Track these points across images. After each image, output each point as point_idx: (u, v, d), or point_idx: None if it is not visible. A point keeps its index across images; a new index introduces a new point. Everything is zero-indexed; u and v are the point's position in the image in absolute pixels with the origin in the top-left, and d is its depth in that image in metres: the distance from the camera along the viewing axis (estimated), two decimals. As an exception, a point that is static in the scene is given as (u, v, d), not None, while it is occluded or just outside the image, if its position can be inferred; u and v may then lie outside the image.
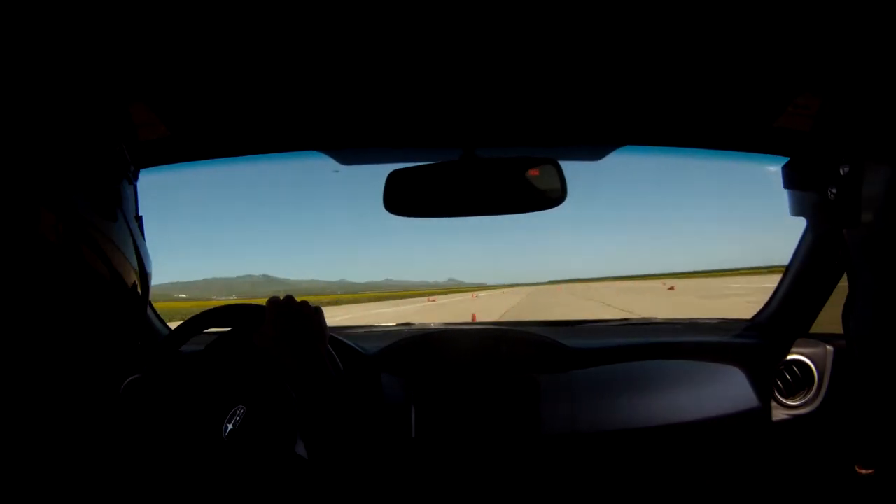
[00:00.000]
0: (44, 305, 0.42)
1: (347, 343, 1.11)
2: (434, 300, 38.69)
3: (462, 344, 1.19)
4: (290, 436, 0.92)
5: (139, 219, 0.55)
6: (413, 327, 1.41)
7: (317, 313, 0.84)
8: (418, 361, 1.15)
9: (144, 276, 0.51)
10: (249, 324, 0.95)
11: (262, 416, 0.95)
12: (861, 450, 1.10)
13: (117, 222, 0.48)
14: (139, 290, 0.51)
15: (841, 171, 0.50)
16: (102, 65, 0.65)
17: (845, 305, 0.57)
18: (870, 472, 0.90)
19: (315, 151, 1.04)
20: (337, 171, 1.12)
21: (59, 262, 0.42)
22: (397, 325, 1.46)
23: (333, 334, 1.06)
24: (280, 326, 0.82)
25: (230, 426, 0.94)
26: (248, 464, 0.93)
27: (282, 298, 0.85)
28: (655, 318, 1.45)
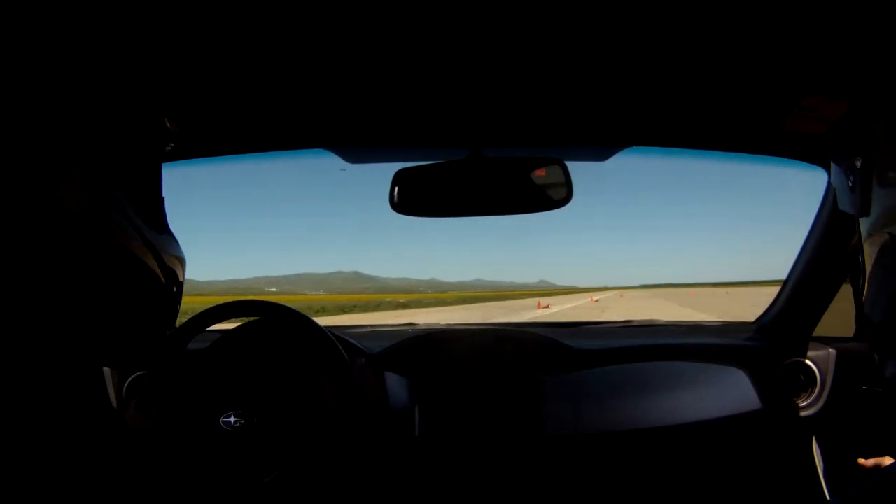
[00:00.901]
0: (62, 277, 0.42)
1: (351, 342, 1.11)
2: (548, 306, 26.76)
3: (466, 344, 1.19)
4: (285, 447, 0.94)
5: (160, 201, 0.55)
6: (417, 327, 1.40)
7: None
8: (422, 361, 1.15)
9: (160, 260, 0.51)
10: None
11: (262, 420, 0.96)
12: (864, 451, 1.10)
13: (130, 205, 0.48)
14: (160, 277, 0.51)
15: (856, 164, 0.53)
16: (110, 63, 0.65)
17: (856, 295, 0.59)
18: (872, 462, 0.91)
19: (322, 150, 1.04)
20: (343, 170, 1.12)
21: (80, 232, 0.42)
22: (402, 323, 1.46)
23: (337, 333, 1.06)
24: (354, 401, 0.96)
25: (233, 419, 0.95)
26: (245, 460, 0.94)
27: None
28: (659, 320, 1.46)
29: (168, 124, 0.58)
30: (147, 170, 0.53)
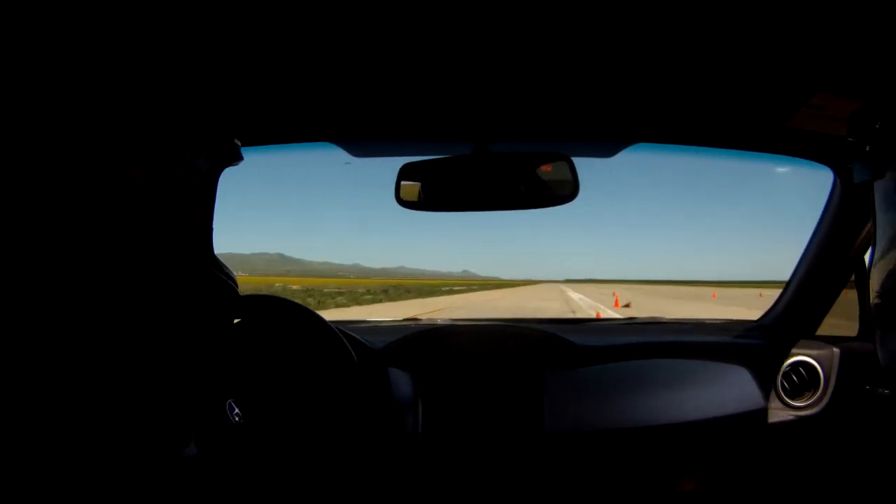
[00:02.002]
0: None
1: (355, 337, 1.11)
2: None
3: (469, 339, 1.19)
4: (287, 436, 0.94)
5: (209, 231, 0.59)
6: (420, 322, 1.41)
7: None
8: (426, 356, 1.15)
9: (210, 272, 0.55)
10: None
11: (266, 416, 0.95)
12: (865, 452, 1.10)
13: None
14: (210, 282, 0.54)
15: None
16: (117, 58, 0.65)
17: (860, 294, 0.60)
18: None
19: (328, 143, 1.04)
20: (348, 164, 1.13)
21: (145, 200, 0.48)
22: (404, 319, 1.47)
23: (340, 328, 1.06)
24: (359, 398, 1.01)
25: (236, 414, 0.95)
26: (247, 455, 0.94)
27: None
28: (662, 318, 1.45)
29: (238, 143, 0.61)
30: (207, 182, 0.56)
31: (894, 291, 0.51)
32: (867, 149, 0.56)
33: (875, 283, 0.54)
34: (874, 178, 0.55)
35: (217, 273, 0.56)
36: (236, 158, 0.60)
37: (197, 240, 0.54)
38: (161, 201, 0.49)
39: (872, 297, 0.54)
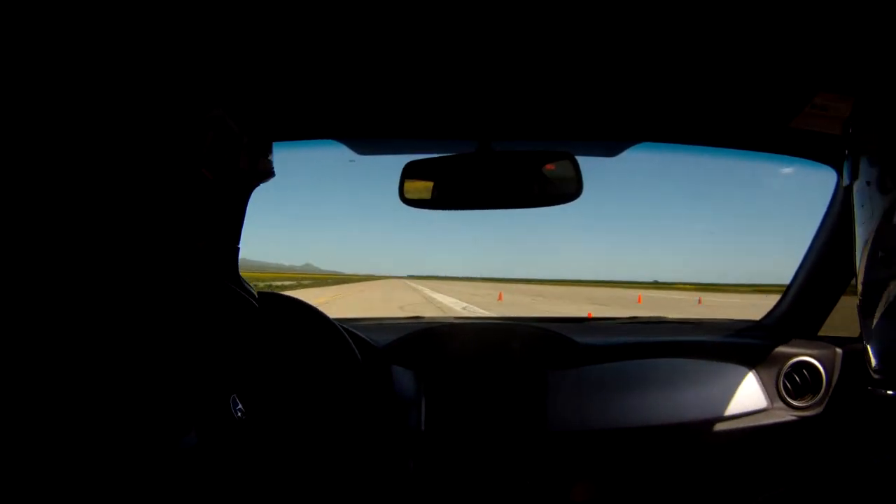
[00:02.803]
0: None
1: (358, 335, 1.11)
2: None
3: (473, 337, 1.19)
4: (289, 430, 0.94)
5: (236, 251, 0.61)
6: (423, 320, 1.41)
7: None
8: (429, 354, 1.15)
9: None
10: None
11: (268, 413, 0.96)
12: (867, 453, 1.10)
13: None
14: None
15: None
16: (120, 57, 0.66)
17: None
18: None
19: (332, 140, 1.04)
20: (352, 161, 1.13)
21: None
22: (408, 317, 1.47)
23: (345, 326, 1.06)
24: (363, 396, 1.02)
25: (239, 409, 0.95)
26: (259, 451, 0.94)
27: None
28: (666, 318, 1.45)
29: (272, 159, 0.63)
30: (238, 199, 0.58)
31: (874, 289, 0.51)
32: (846, 152, 0.57)
33: (859, 282, 0.54)
34: (852, 179, 0.56)
35: (237, 290, 0.57)
36: (269, 175, 0.61)
37: (222, 255, 0.56)
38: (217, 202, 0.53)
39: (858, 297, 0.55)
